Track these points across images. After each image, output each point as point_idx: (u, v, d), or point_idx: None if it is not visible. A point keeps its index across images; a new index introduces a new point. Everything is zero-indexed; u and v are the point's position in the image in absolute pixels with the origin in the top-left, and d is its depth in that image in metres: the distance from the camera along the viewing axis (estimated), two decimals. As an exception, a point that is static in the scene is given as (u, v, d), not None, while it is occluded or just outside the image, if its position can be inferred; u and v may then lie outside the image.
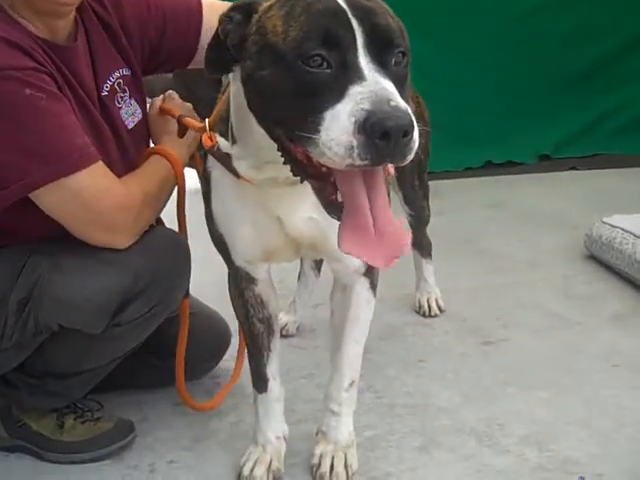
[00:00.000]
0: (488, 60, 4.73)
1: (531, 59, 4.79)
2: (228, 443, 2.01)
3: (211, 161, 1.64)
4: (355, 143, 1.14)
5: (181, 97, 2.08)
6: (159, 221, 1.92)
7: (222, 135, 1.57)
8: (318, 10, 1.24)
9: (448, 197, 3.99)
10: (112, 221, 1.73)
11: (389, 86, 1.18)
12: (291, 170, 1.35)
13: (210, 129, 1.60)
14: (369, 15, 1.25)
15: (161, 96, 2.05)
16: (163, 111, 2.00)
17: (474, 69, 4.72)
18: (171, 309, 1.91)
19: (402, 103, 1.16)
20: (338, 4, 1.25)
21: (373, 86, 1.17)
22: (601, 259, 3.12)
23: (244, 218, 1.62)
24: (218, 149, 1.56)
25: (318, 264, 2.65)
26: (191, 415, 2.10)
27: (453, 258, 3.21)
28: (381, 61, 1.22)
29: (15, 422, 1.98)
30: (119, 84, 1.89)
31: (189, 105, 2.04)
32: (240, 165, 1.53)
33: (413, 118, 1.16)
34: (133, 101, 1.94)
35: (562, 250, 3.33)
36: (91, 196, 1.69)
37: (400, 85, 1.23)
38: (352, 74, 1.19)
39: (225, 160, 1.56)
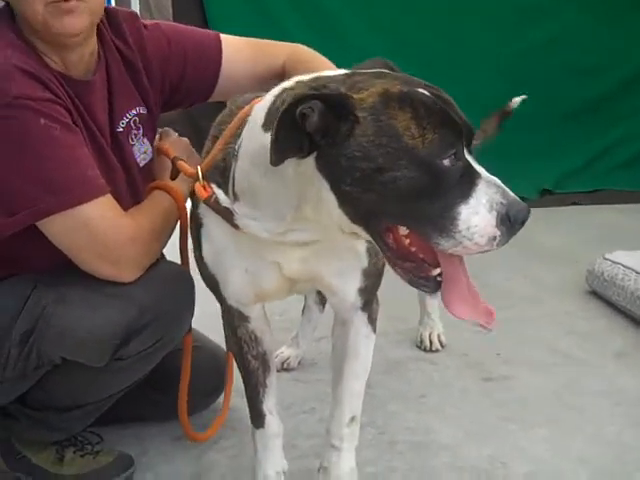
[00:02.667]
0: (490, 95, 4.76)
1: (533, 94, 4.81)
2: (228, 477, 2.00)
3: (202, 207, 1.61)
4: (499, 233, 1.29)
5: (184, 127, 2.10)
6: (161, 255, 1.93)
7: (219, 186, 1.55)
8: (437, 111, 1.31)
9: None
10: (119, 254, 1.73)
11: (494, 177, 1.33)
12: (385, 256, 1.40)
13: (203, 177, 1.59)
14: (457, 110, 1.35)
15: (158, 134, 2.06)
16: (159, 150, 2.00)
17: (476, 103, 4.74)
18: (175, 343, 1.91)
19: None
20: (444, 99, 1.34)
21: (490, 179, 1.32)
22: (603, 295, 3.12)
23: (237, 264, 1.61)
24: (216, 201, 1.54)
25: (323, 299, 2.65)
26: (191, 449, 2.10)
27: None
28: (470, 151, 1.35)
29: (15, 454, 1.97)
30: (135, 122, 1.92)
31: (185, 141, 2.04)
32: (248, 225, 1.50)
33: None
34: (146, 140, 1.96)
35: (564, 286, 3.33)
36: (99, 227, 1.69)
37: None
38: (470, 169, 1.32)
39: (224, 213, 1.53)
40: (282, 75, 1.99)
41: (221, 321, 1.78)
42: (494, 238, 1.29)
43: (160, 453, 2.12)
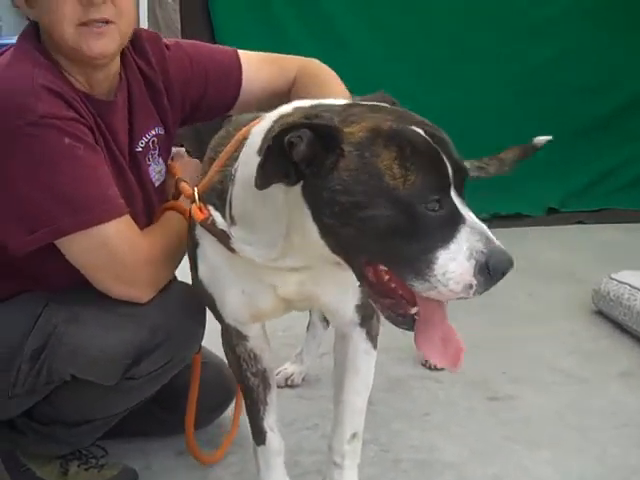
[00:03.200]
0: (496, 112, 4.78)
1: (540, 112, 4.82)
2: (231, 494, 2.01)
3: (199, 228, 1.62)
4: (475, 282, 1.27)
5: (191, 143, 2.11)
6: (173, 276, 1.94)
7: (216, 208, 1.56)
8: (425, 152, 1.30)
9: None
10: (135, 274, 1.74)
11: (481, 222, 1.30)
12: (366, 288, 1.40)
13: (200, 199, 1.60)
14: (451, 150, 1.33)
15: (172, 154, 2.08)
16: (170, 170, 2.02)
17: (482, 121, 4.76)
18: (185, 363, 1.91)
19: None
20: (438, 139, 1.32)
21: (475, 226, 1.29)
22: (609, 315, 3.12)
23: (233, 284, 1.62)
24: (213, 223, 1.56)
25: (329, 315, 2.65)
26: (195, 465, 2.09)
27: (459, 310, 3.20)
28: (461, 193, 1.33)
29: (19, 467, 1.97)
30: (153, 142, 1.93)
31: (195, 162, 2.05)
32: (243, 249, 1.51)
33: None
34: (161, 160, 1.97)
35: (569, 305, 3.33)
36: (117, 248, 1.70)
37: None
38: (454, 213, 1.30)
39: (221, 236, 1.54)
40: (290, 89, 2.02)
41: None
42: (470, 286, 1.27)
43: (164, 468, 2.12)
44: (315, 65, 2.08)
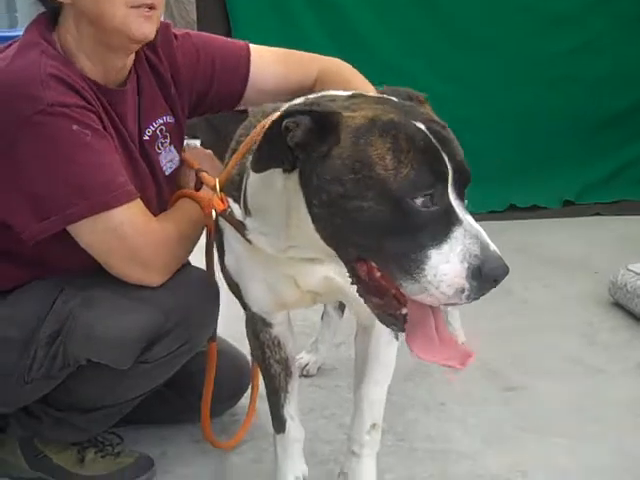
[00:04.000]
0: (514, 103, 4.74)
1: (558, 103, 4.79)
2: (247, 481, 2.01)
3: (222, 220, 1.65)
4: (467, 286, 1.22)
5: (204, 134, 2.12)
6: (187, 262, 1.95)
7: (235, 200, 1.57)
8: (422, 147, 1.25)
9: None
10: (148, 258, 1.75)
11: (479, 226, 1.26)
12: (355, 286, 1.36)
13: (221, 189, 1.62)
14: (454, 150, 1.29)
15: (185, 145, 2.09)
16: (184, 161, 2.03)
17: (500, 111, 4.73)
18: (198, 348, 1.92)
19: (493, 244, 1.24)
20: (441, 137, 1.28)
21: (471, 228, 1.24)
22: (626, 307, 3.09)
23: (257, 275, 1.63)
24: (231, 214, 1.57)
25: (342, 305, 2.65)
26: (211, 452, 2.10)
27: (476, 301, 3.19)
28: (461, 196, 1.28)
29: (36, 454, 1.99)
30: (161, 130, 1.94)
31: (209, 153, 2.07)
32: (258, 240, 1.52)
33: None
34: (173, 148, 1.98)
35: (586, 296, 3.30)
36: (129, 231, 1.71)
37: None
38: (450, 213, 1.25)
39: (238, 227, 1.55)
40: (312, 88, 2.00)
41: (241, 325, 1.79)
42: (462, 291, 1.23)
43: (180, 455, 2.13)
44: (339, 64, 2.07)
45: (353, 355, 1.82)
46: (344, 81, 1.96)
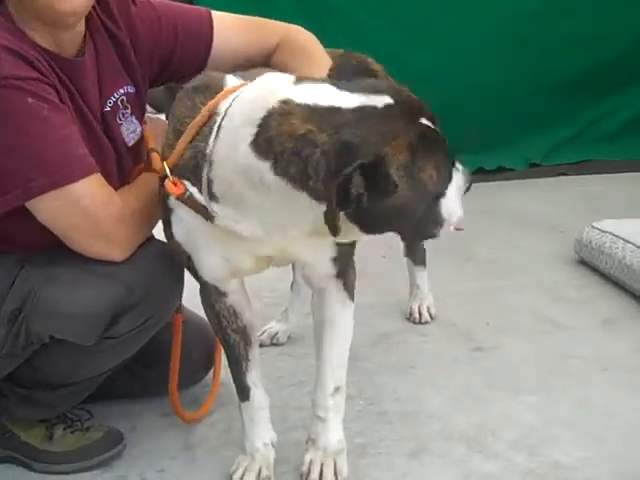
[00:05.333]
0: (479, 66, 4.72)
1: (522, 65, 4.78)
2: (217, 451, 2.01)
3: (173, 199, 1.62)
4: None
5: (168, 105, 2.08)
6: (150, 235, 1.93)
7: (192, 184, 1.56)
8: (443, 147, 1.48)
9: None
10: (109, 232, 1.72)
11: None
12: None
13: (171, 173, 1.59)
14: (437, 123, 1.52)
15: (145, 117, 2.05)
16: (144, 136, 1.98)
17: (464, 75, 4.71)
18: (164, 322, 1.91)
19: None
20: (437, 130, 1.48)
21: (458, 179, 1.55)
22: (591, 264, 3.12)
23: (211, 247, 1.63)
24: (191, 197, 1.56)
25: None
26: (180, 424, 2.10)
27: (443, 263, 3.20)
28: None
29: (3, 432, 1.97)
30: (122, 101, 1.90)
31: (165, 123, 2.01)
32: (232, 226, 1.52)
33: None
34: (134, 119, 1.94)
35: (552, 255, 3.33)
36: (89, 205, 1.69)
37: None
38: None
39: (201, 210, 1.55)
40: (271, 56, 1.98)
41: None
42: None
43: (149, 429, 2.12)
44: (301, 34, 2.03)
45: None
46: (305, 53, 1.95)
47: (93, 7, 1.83)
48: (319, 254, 1.67)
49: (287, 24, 2.06)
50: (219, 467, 1.93)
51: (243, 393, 1.82)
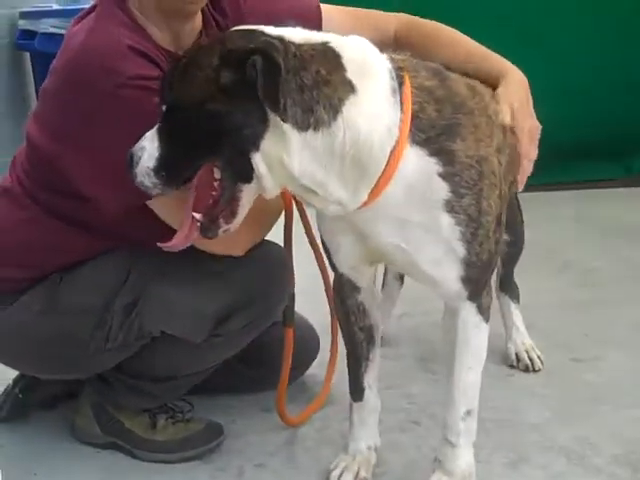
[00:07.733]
0: (578, 72, 4.62)
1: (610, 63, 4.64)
2: (315, 449, 2.03)
3: None
4: None
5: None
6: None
7: None
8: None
9: (532, 210, 3.89)
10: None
11: None
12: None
13: None
14: None
15: None
16: None
17: (563, 81, 4.61)
18: (271, 322, 1.94)
19: None
20: None
21: None
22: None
23: (338, 231, 1.65)
24: None
25: (401, 274, 2.63)
26: (279, 421, 2.11)
27: (537, 272, 3.14)
28: None
29: (109, 419, 2.02)
30: None
31: None
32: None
33: None
34: None
35: (652, 267, 3.23)
36: None
37: None
38: None
39: None
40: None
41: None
42: None
43: (249, 423, 2.15)
44: (415, 20, 2.00)
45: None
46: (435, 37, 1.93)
47: (206, 5, 1.86)
48: (442, 272, 1.60)
49: (394, 13, 2.03)
50: (317, 465, 1.94)
51: (357, 393, 1.83)
